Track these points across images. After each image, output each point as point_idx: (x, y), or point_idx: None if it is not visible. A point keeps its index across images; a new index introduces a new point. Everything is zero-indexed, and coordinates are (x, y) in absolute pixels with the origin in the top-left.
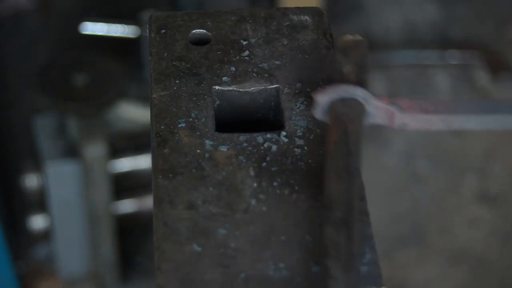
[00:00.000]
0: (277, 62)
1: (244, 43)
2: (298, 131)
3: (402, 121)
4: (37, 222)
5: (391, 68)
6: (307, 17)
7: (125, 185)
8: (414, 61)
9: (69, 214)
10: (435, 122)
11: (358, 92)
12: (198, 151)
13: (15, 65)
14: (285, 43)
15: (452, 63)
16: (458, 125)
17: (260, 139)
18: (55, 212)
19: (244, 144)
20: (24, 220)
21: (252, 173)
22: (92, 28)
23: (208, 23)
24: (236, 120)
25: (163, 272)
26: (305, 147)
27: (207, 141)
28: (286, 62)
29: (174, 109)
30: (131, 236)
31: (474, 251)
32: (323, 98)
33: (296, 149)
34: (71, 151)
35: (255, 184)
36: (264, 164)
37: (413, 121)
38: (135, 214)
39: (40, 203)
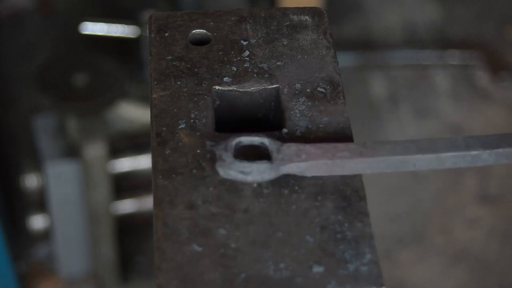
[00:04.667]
0: (277, 62)
1: (244, 43)
2: (298, 131)
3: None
4: (37, 222)
5: (391, 68)
6: (307, 17)
7: (125, 185)
8: (414, 61)
9: (69, 214)
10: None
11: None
12: (198, 151)
13: (15, 65)
14: (285, 43)
15: (452, 63)
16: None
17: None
18: (55, 212)
19: None
20: (24, 220)
21: None
22: (92, 28)
23: (208, 23)
24: (236, 120)
25: (163, 272)
26: None
27: (207, 141)
28: (286, 62)
29: (174, 109)
30: (131, 236)
31: (474, 251)
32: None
33: None
34: (71, 151)
35: (255, 184)
36: None
37: (313, 168)
38: (135, 214)
39: (40, 203)
